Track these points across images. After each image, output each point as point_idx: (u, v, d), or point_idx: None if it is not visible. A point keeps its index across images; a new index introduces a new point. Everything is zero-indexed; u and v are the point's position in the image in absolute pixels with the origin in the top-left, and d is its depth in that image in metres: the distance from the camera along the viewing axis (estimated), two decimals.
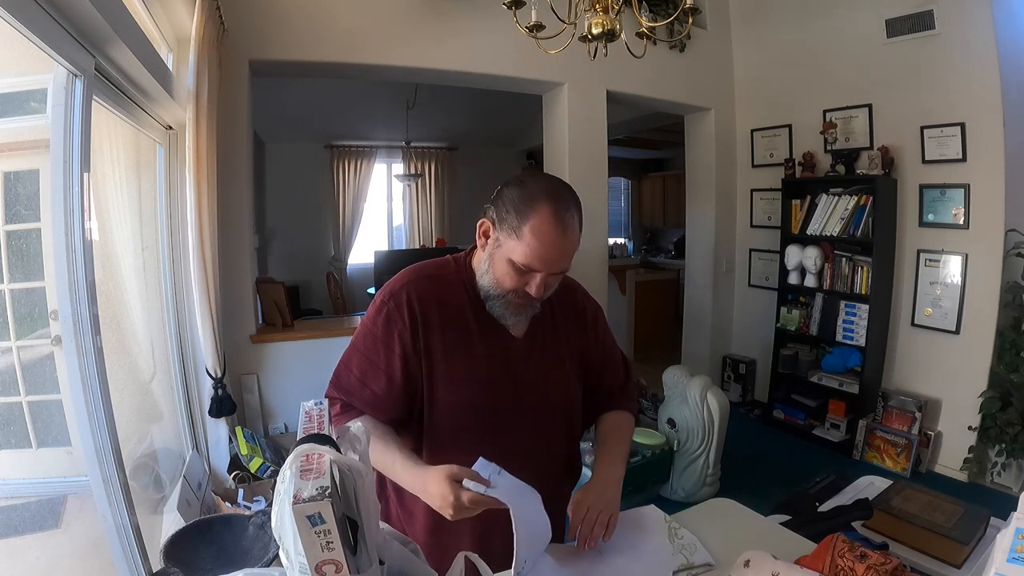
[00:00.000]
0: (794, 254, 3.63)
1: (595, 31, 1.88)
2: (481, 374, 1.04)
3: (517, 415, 1.07)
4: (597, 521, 0.98)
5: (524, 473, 1.07)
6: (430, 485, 0.89)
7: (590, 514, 0.99)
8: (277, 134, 5.65)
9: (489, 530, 1.02)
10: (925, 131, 3.14)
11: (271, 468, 2.35)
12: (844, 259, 3.44)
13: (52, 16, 1.20)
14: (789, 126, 3.90)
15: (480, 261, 1.05)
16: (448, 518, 0.88)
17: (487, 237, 1.01)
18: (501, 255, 0.97)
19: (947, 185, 3.10)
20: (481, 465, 0.90)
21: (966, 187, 3.02)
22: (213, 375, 2.39)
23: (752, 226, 4.25)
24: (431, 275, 1.07)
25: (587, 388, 1.18)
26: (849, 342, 3.42)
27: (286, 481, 0.56)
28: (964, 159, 3.01)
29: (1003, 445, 2.83)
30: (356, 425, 0.70)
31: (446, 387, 1.03)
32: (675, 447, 2.87)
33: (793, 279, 3.71)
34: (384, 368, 1.03)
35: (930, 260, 3.21)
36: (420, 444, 1.07)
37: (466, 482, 0.86)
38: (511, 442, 1.06)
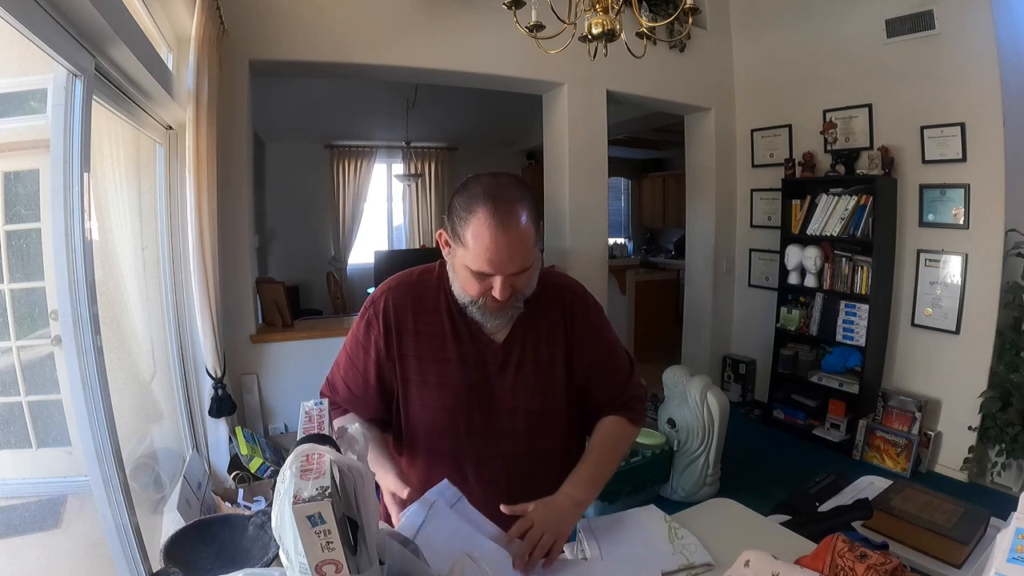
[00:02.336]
0: (794, 254, 3.63)
1: (595, 31, 1.88)
2: (454, 379, 1.05)
3: (491, 421, 1.07)
4: (540, 543, 0.91)
5: (498, 477, 1.09)
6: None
7: (533, 532, 0.91)
8: (277, 134, 5.65)
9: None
10: (925, 131, 3.14)
11: (271, 468, 2.35)
12: (844, 259, 3.44)
13: (52, 16, 1.20)
14: (789, 126, 3.90)
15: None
16: None
17: (448, 247, 1.00)
18: (459, 263, 0.97)
19: (947, 185, 3.10)
20: (439, 490, 0.93)
21: (966, 187, 3.02)
22: (213, 375, 2.39)
23: (752, 226, 4.25)
24: (412, 282, 1.09)
25: (580, 393, 1.14)
26: (849, 342, 3.42)
27: (286, 481, 0.56)
28: (964, 159, 3.01)
29: (1003, 445, 2.83)
30: (355, 427, 0.70)
31: (419, 391, 1.06)
32: (675, 447, 2.87)
33: (793, 279, 3.71)
34: (362, 371, 1.09)
35: (930, 260, 3.21)
36: (401, 443, 1.12)
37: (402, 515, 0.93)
38: (484, 446, 1.07)
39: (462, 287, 0.99)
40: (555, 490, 1.14)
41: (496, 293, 0.95)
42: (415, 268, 1.12)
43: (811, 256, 3.55)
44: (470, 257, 0.93)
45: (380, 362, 1.07)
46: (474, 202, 0.91)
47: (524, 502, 1.06)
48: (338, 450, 0.63)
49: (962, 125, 2.99)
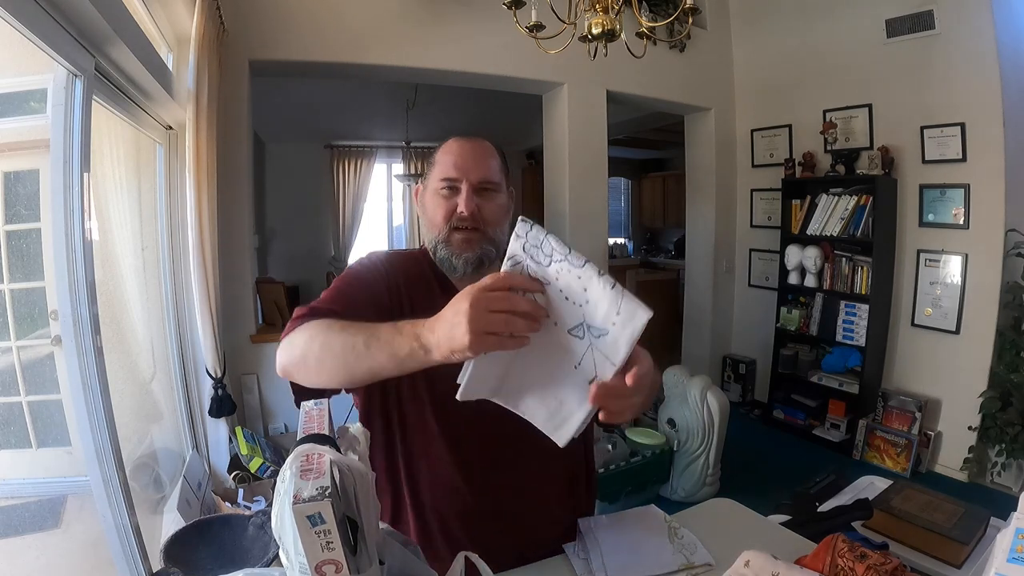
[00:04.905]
0: (794, 254, 3.63)
1: (595, 31, 1.88)
2: None
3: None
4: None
5: (489, 440, 0.96)
6: (446, 310, 0.68)
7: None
8: (277, 134, 5.65)
9: (484, 530, 0.98)
10: (925, 131, 3.14)
11: (271, 468, 2.35)
12: (844, 259, 3.44)
13: (52, 16, 1.20)
14: (789, 126, 3.90)
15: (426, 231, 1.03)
16: (468, 348, 0.63)
17: (419, 198, 1.05)
18: (429, 193, 1.00)
19: (947, 185, 3.10)
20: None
21: (966, 187, 3.02)
22: (213, 375, 2.39)
23: (752, 226, 4.25)
24: (398, 252, 1.09)
25: None
26: (849, 342, 3.42)
27: (286, 481, 0.56)
28: (964, 159, 3.01)
29: (1003, 445, 2.83)
30: (356, 426, 0.70)
31: None
32: (675, 447, 2.87)
33: (793, 279, 3.71)
34: (358, 292, 0.95)
35: (930, 260, 3.21)
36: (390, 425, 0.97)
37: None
38: (478, 411, 0.88)
39: (430, 217, 0.99)
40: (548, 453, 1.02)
41: (461, 203, 0.95)
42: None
43: (811, 256, 3.55)
44: (438, 171, 0.98)
45: (378, 296, 0.95)
46: (447, 139, 1.02)
47: (519, 464, 0.99)
48: (338, 450, 0.63)
49: (962, 125, 2.99)
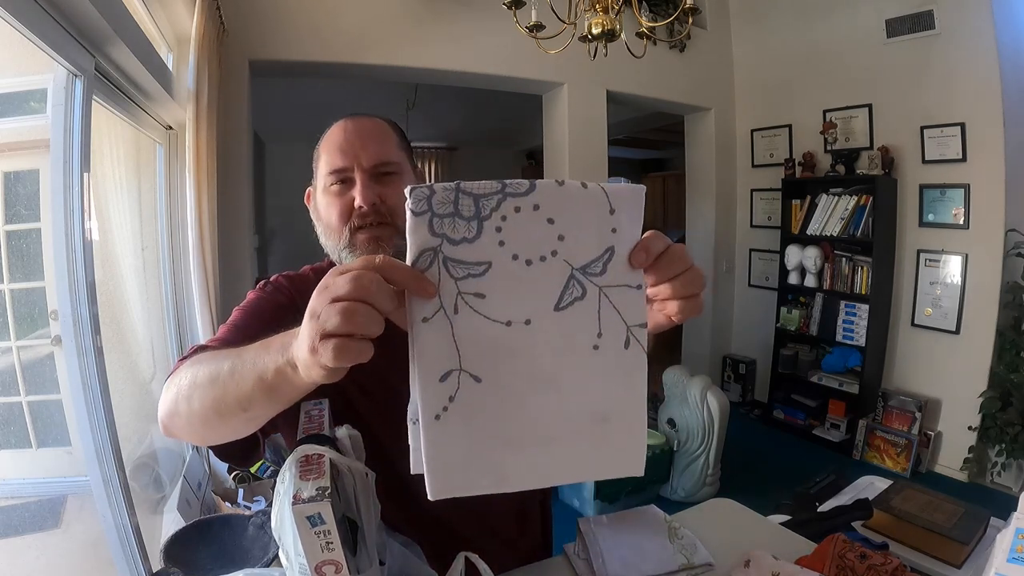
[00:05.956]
0: (794, 254, 3.64)
1: (595, 31, 1.88)
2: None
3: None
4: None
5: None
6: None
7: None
8: (277, 134, 5.65)
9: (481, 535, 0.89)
10: (925, 131, 3.14)
11: (271, 468, 2.35)
12: (844, 259, 3.44)
13: (52, 16, 1.20)
14: (789, 126, 3.90)
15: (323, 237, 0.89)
16: (312, 362, 0.44)
17: (311, 199, 0.90)
18: (320, 192, 0.85)
19: (947, 185, 3.10)
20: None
21: (966, 187, 3.02)
22: None
23: (752, 226, 4.25)
24: (302, 272, 0.95)
25: None
26: (849, 342, 3.42)
27: (286, 481, 0.56)
28: (964, 159, 3.01)
29: (1003, 445, 2.83)
30: (343, 429, 0.70)
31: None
32: (675, 447, 2.88)
33: (793, 279, 3.72)
34: (255, 321, 0.83)
35: (930, 260, 3.21)
36: None
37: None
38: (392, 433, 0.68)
39: (326, 221, 0.84)
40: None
41: (357, 195, 0.79)
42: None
43: (811, 256, 3.55)
44: (324, 165, 0.83)
45: (283, 327, 0.77)
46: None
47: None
48: (338, 450, 0.63)
49: (962, 125, 2.99)
